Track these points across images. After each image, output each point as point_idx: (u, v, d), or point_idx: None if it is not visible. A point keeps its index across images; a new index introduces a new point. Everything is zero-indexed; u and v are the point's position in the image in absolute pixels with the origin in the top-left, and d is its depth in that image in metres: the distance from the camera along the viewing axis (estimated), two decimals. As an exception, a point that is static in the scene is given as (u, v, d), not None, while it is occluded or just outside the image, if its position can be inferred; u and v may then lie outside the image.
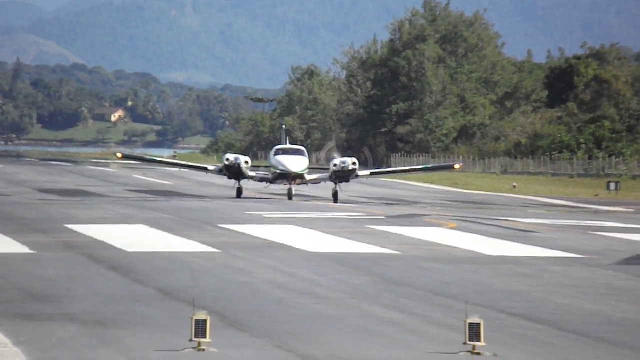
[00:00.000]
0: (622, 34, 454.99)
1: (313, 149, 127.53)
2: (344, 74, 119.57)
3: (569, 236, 25.91)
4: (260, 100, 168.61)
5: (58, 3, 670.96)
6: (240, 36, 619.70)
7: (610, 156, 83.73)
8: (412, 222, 29.10)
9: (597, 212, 39.17)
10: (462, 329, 11.18)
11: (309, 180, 41.86)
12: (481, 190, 57.40)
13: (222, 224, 26.71)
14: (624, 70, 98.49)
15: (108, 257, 19.11)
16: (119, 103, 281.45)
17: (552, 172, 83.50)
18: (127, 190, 45.25)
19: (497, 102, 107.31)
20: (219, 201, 38.27)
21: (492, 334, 12.18)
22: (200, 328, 11.03)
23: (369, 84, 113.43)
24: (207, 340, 11.10)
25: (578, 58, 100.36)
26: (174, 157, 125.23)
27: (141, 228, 25.12)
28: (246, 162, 41.27)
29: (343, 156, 42.43)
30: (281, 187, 43.53)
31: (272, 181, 41.96)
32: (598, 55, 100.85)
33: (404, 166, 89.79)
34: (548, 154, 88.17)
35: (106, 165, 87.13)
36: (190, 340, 11.10)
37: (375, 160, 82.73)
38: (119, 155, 46.14)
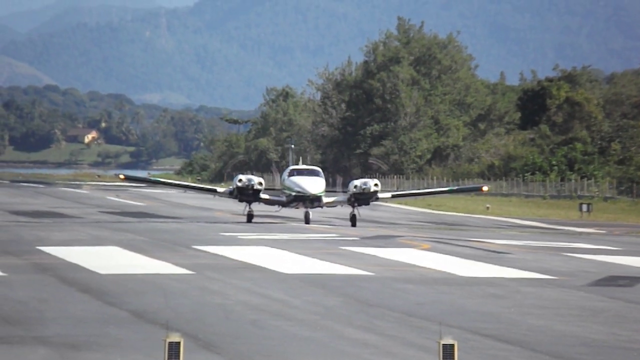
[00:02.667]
0: (593, 56, 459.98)
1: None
2: (318, 96, 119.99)
3: (541, 257, 26.04)
4: (235, 122, 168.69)
5: (31, 24, 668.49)
6: (215, 57, 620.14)
7: (582, 178, 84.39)
8: (386, 243, 29.13)
9: (569, 233, 39.41)
10: (436, 350, 11.20)
11: (326, 203, 38.58)
12: (455, 211, 57.60)
13: (195, 245, 26.62)
14: (595, 93, 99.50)
15: (80, 279, 18.98)
16: (92, 124, 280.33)
17: (525, 193, 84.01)
18: (100, 212, 44.98)
19: (470, 123, 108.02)
20: (193, 222, 38.12)
21: (466, 355, 12.21)
22: (174, 350, 10.97)
23: (343, 105, 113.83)
24: (180, 362, 11.03)
25: (550, 80, 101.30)
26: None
27: (114, 250, 24.98)
28: (260, 184, 38.14)
29: (362, 177, 39.49)
30: (294, 211, 40.40)
31: (285, 204, 38.69)
32: (570, 78, 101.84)
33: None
34: (521, 175, 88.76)
35: (79, 186, 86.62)
36: (163, 363, 11.03)
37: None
38: (122, 177, 42.90)
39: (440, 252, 26.36)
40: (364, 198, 37.83)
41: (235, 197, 38.67)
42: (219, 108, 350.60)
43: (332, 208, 40.20)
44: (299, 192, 38.13)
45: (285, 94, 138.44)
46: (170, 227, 34.75)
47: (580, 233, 39.44)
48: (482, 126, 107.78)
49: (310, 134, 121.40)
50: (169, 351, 10.96)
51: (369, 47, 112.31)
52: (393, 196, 41.55)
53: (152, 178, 52.87)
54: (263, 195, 38.59)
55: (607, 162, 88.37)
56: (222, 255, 23.89)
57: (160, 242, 27.36)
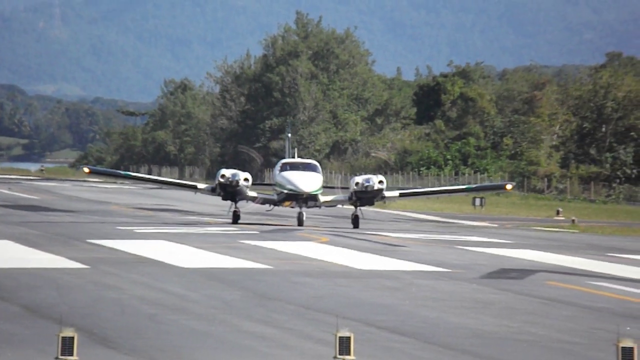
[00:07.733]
0: (486, 52, 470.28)
1: (186, 163, 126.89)
2: (217, 88, 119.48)
3: (435, 250, 26.55)
4: (131, 114, 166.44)
5: None
6: (111, 49, 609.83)
7: (475, 172, 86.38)
8: (285, 237, 29.23)
9: (462, 226, 40.28)
10: (333, 343, 11.34)
11: (323, 202, 34.47)
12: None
13: (91, 239, 26.20)
14: (488, 89, 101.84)
15: (-30, 274, 18.48)
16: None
17: (420, 187, 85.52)
18: (-9, 205, 43.81)
19: (367, 118, 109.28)
20: (88, 216, 37.48)
21: (362, 347, 12.39)
22: (67, 345, 10.81)
23: (242, 98, 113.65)
24: (75, 358, 10.89)
25: (445, 76, 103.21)
26: (42, 171, 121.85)
27: (6, 244, 24.40)
28: (246, 180, 33.72)
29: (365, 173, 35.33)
30: (287, 210, 36.94)
31: (277, 203, 34.59)
32: (464, 74, 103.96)
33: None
34: (416, 169, 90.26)
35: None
36: (56, 358, 10.87)
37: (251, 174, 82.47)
38: (86, 170, 36.83)
39: (338, 245, 26.61)
40: (367, 197, 33.88)
41: (219, 195, 34.27)
42: (116, 100, 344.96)
43: (333, 207, 36.28)
44: (291, 189, 33.86)
45: (184, 87, 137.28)
46: (64, 220, 34.09)
47: (474, 226, 40.36)
48: (379, 121, 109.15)
49: (209, 127, 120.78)
50: (62, 346, 10.79)
51: (268, 41, 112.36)
52: (401, 195, 36.22)
53: (122, 172, 45.76)
54: (250, 193, 34.31)
55: (499, 156, 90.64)
56: (118, 249, 23.58)
57: (54, 236, 26.83)
